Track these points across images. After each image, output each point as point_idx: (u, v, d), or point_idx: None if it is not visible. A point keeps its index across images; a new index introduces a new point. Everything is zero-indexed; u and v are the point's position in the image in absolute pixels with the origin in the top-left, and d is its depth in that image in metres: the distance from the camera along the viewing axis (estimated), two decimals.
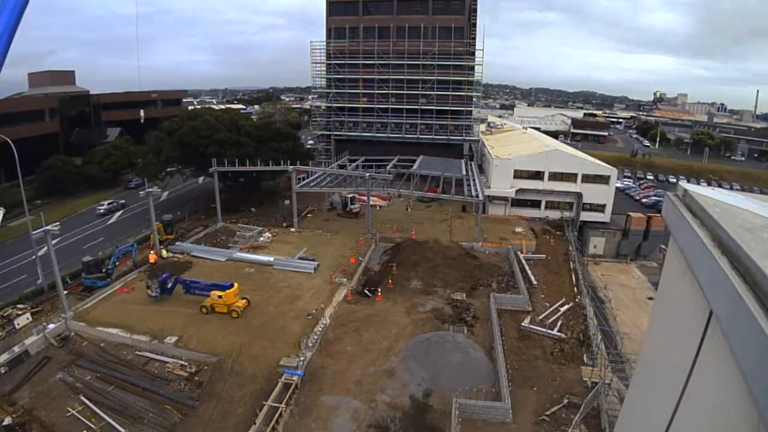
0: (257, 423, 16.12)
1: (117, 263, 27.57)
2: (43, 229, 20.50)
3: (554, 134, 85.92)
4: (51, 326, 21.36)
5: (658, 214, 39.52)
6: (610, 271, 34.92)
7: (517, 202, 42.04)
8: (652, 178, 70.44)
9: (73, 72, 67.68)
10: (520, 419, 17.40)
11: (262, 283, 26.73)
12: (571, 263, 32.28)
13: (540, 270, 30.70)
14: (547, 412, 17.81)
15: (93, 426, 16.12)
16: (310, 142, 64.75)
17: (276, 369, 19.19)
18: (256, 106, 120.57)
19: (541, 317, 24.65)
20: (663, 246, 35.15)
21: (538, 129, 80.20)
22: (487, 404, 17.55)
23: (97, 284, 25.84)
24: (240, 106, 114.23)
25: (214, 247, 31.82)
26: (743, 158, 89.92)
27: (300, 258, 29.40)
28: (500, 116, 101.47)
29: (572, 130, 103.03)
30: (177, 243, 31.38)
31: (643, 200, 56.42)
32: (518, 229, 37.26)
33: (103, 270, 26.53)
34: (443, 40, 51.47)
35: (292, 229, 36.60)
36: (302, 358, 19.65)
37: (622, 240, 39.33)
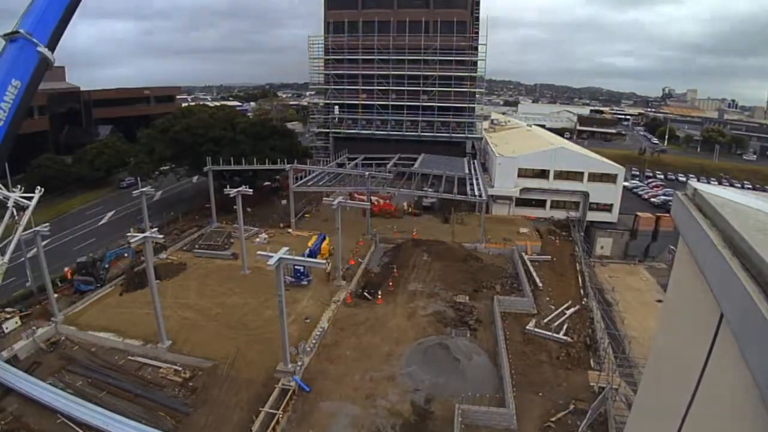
0: (254, 430, 15.77)
1: (108, 266, 27.00)
2: (32, 230, 20.15)
3: (560, 132, 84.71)
4: (40, 330, 21.01)
5: (667, 214, 38.53)
6: (617, 273, 34.10)
7: (521, 202, 41.26)
8: (661, 176, 69.14)
9: (63, 68, 64.78)
10: (525, 426, 17.03)
11: (258, 286, 26.24)
12: (578, 265, 31.65)
13: (545, 272, 30.06)
14: (553, 419, 17.49)
15: None
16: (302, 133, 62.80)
17: (273, 374, 18.80)
18: (252, 103, 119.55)
19: (546, 320, 24.19)
20: (672, 247, 34.21)
21: (543, 126, 79.12)
22: (490, 410, 17.16)
23: (81, 288, 25.18)
24: (236, 102, 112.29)
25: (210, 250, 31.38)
26: (755, 156, 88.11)
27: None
28: (504, 113, 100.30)
29: (578, 128, 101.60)
30: None
31: (652, 199, 55.31)
32: (523, 230, 36.56)
33: (94, 274, 25.91)
34: (445, 34, 50.59)
35: (290, 230, 36.09)
36: (300, 363, 19.21)
37: (630, 241, 38.49)
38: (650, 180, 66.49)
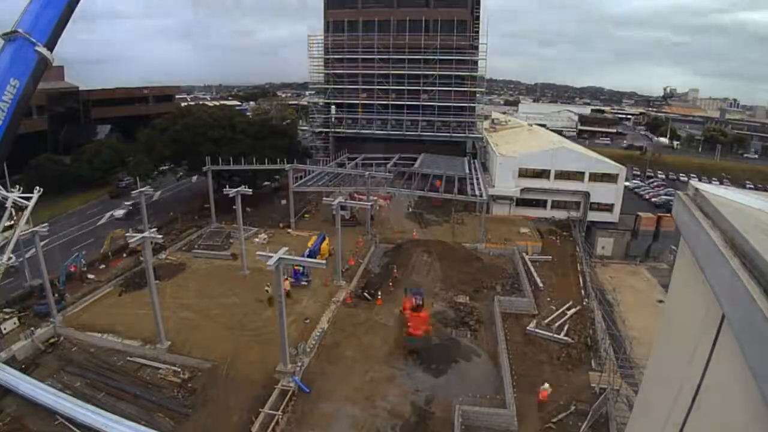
0: (253, 431, 15.66)
1: (64, 286, 25.75)
2: (31, 230, 20.10)
3: (560, 131, 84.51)
4: (39, 331, 20.93)
5: (669, 214, 38.36)
6: (618, 273, 33.98)
7: (522, 202, 41.13)
8: (662, 176, 68.97)
9: (62, 67, 63.97)
10: (526, 427, 16.96)
11: (257, 286, 26.19)
12: (579, 265, 31.51)
13: (546, 272, 30.00)
14: (554, 420, 17.39)
15: None
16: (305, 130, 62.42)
17: (272, 375, 18.71)
18: (252, 103, 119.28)
19: (547, 321, 24.10)
20: (674, 247, 34.06)
21: (543, 126, 78.95)
22: (490, 411, 17.13)
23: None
24: (235, 102, 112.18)
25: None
26: (756, 155, 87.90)
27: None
28: (504, 112, 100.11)
29: (579, 127, 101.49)
30: None
31: (653, 199, 55.18)
32: (523, 230, 36.44)
33: (55, 294, 23.76)
34: (445, 33, 50.56)
35: (290, 230, 36.03)
36: (299, 364, 19.12)
37: (631, 241, 38.27)
38: (651, 180, 66.37)
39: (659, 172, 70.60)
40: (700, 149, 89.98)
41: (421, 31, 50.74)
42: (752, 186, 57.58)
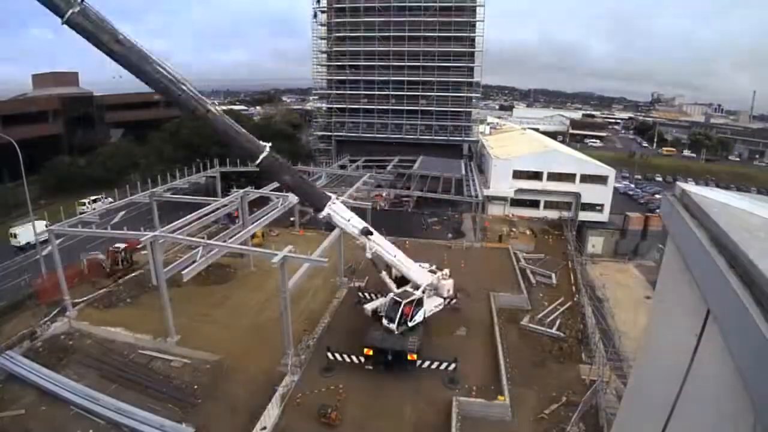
0: (254, 430, 15.76)
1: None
2: (47, 228, 20.55)
3: (553, 135, 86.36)
4: (55, 325, 21.46)
5: (655, 214, 39.92)
6: (608, 270, 35.06)
7: (516, 202, 42.30)
8: (660, 179, 70.98)
9: (76, 73, 68.16)
10: (520, 418, 17.43)
11: (262, 284, 26.79)
12: (570, 263, 32.52)
13: (539, 269, 30.88)
14: (546, 411, 17.83)
15: None
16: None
17: (274, 373, 18.84)
18: (258, 107, 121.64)
19: (540, 316, 24.75)
20: (660, 245, 35.35)
21: (536, 130, 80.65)
22: (486, 403, 17.61)
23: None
24: (242, 107, 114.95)
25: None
26: (738, 159, 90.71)
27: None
28: (499, 117, 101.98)
29: (571, 131, 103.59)
30: None
31: (640, 201, 56.74)
32: (517, 229, 37.51)
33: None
34: (443, 41, 51.86)
35: (294, 230, 36.72)
36: (300, 364, 19.50)
37: (620, 239, 39.60)
38: (643, 184, 68.33)
39: (657, 175, 72.75)
40: (685, 152, 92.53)
41: (420, 39, 52.06)
42: (735, 187, 59.67)
